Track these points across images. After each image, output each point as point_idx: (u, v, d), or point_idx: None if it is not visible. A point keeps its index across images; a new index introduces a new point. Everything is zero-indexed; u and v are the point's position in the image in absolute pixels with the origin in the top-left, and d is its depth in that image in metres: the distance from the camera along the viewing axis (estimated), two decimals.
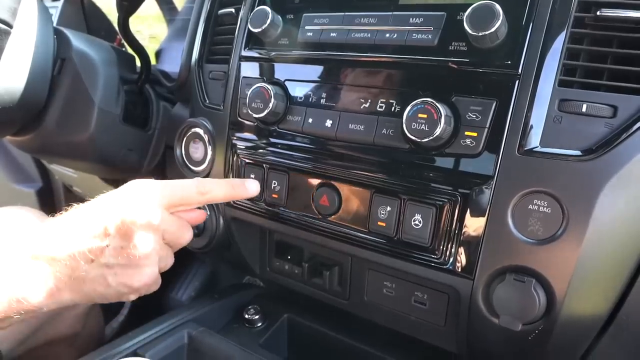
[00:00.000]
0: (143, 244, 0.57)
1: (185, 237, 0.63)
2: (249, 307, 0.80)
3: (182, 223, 0.63)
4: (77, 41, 0.86)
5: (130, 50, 0.95)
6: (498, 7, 0.52)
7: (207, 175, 0.80)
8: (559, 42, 0.53)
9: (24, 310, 0.54)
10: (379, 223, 0.61)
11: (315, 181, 0.67)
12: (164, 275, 1.39)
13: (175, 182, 0.62)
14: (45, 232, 0.56)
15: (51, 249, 0.55)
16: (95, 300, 0.59)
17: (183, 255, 1.29)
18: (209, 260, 1.32)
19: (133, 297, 0.60)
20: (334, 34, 0.66)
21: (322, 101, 0.66)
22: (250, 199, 0.74)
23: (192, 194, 0.62)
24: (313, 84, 0.67)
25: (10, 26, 0.68)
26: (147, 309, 1.09)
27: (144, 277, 0.59)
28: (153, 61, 1.08)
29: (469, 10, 0.53)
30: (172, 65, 1.03)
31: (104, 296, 0.58)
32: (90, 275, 0.56)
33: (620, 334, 0.55)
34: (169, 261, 0.63)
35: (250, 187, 0.69)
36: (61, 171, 1.33)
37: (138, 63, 0.96)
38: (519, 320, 0.53)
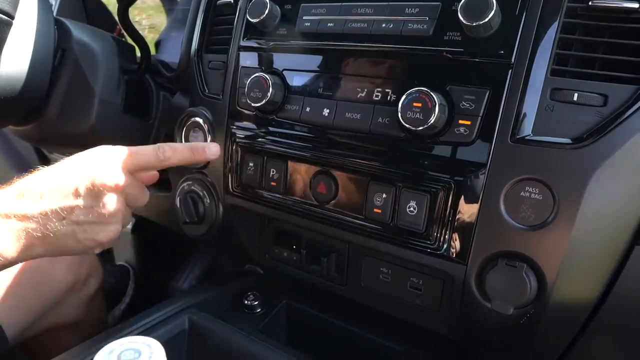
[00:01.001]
0: (110, 204, 0.62)
1: (143, 198, 0.68)
2: (249, 293, 0.81)
3: (142, 186, 0.68)
4: (78, 31, 0.87)
5: (130, 41, 0.95)
6: None
7: (206, 165, 0.81)
8: (552, 32, 0.54)
9: None
10: (375, 210, 0.63)
11: (312, 169, 0.68)
12: (166, 264, 1.41)
13: (138, 149, 0.66)
14: (15, 191, 0.60)
15: (23, 207, 0.58)
16: (64, 253, 0.64)
17: (184, 245, 1.32)
18: (210, 249, 1.33)
19: (98, 250, 0.65)
20: (331, 24, 0.67)
21: (320, 90, 0.67)
22: (250, 186, 0.75)
23: (152, 160, 0.67)
24: (311, 74, 0.68)
25: (12, 17, 0.69)
26: (149, 297, 1.10)
27: (110, 233, 0.64)
28: (152, 51, 1.09)
29: (463, 0, 0.54)
30: (172, 55, 1.03)
31: (72, 250, 0.63)
32: (62, 231, 0.60)
33: (608, 318, 0.57)
34: (129, 219, 0.69)
35: (210, 150, 0.71)
36: None
37: (138, 53, 0.96)
38: (510, 304, 0.55)
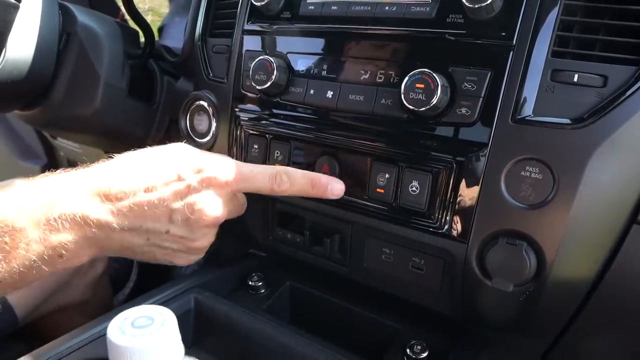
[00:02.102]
0: (204, 239, 0.57)
1: (239, 213, 0.64)
2: (253, 274, 0.83)
3: (242, 204, 0.63)
4: (82, 16, 0.87)
5: (133, 25, 0.96)
6: None
7: (211, 147, 0.82)
8: (553, 14, 0.54)
9: (64, 262, 0.51)
10: (378, 190, 0.64)
11: (316, 150, 0.69)
12: None
13: (253, 172, 0.59)
14: (96, 187, 0.52)
15: (105, 214, 0.51)
16: (135, 259, 0.58)
17: None
18: None
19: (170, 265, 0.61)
20: (335, 7, 0.67)
21: (324, 73, 0.68)
22: None
23: (266, 190, 0.60)
24: (314, 56, 0.69)
25: (19, 0, 0.69)
26: (152, 283, 1.11)
27: (190, 261, 0.60)
28: (155, 36, 1.09)
29: None
30: (175, 40, 1.04)
31: (145, 261, 0.58)
32: (142, 249, 0.55)
33: (606, 296, 0.58)
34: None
35: (334, 189, 0.63)
36: (66, 147, 1.35)
37: (141, 38, 0.97)
38: (510, 281, 0.56)
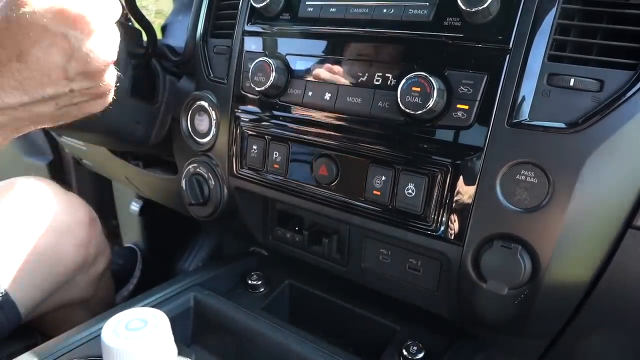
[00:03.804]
0: (110, 78, 0.56)
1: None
2: (252, 273, 0.83)
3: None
4: None
5: (136, 25, 0.96)
6: None
7: (211, 147, 0.83)
8: (550, 18, 0.54)
9: None
10: (375, 192, 0.64)
11: (314, 152, 0.70)
12: (173, 246, 1.43)
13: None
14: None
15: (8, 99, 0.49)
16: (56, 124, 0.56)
17: (190, 227, 1.34)
18: (215, 231, 1.36)
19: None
20: (334, 10, 0.68)
21: (322, 75, 0.68)
22: (254, 169, 0.77)
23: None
24: (313, 58, 0.70)
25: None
26: (156, 279, 1.13)
27: (106, 102, 0.59)
28: (159, 35, 1.10)
29: None
30: (178, 39, 1.04)
31: (65, 121, 0.57)
32: (56, 114, 0.54)
33: (601, 300, 0.58)
34: None
35: None
36: (71, 144, 1.36)
37: (144, 37, 0.98)
38: (505, 284, 0.56)
